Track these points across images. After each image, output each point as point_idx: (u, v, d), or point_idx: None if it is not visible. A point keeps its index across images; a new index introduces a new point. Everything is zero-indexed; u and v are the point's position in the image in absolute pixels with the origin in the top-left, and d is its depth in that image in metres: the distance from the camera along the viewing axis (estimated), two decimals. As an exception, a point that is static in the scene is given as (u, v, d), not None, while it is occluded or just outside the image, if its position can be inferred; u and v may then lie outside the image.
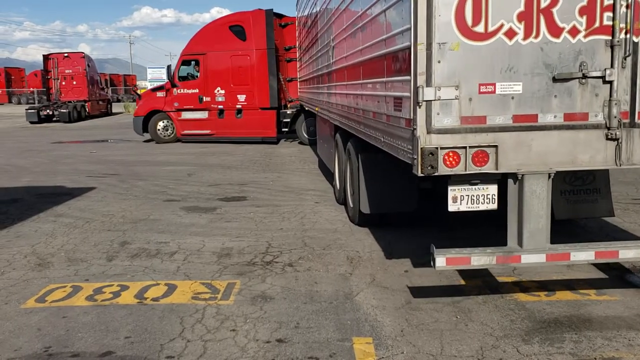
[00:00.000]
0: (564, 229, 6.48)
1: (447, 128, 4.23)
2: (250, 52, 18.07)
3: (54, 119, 31.66)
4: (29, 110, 32.16)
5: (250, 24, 18.01)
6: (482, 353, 4.06)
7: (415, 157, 4.25)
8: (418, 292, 5.23)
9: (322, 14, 9.77)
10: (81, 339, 4.40)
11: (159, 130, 19.52)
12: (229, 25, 18.40)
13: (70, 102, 33.08)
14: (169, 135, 19.50)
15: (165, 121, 19.46)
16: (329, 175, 11.20)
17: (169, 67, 19.46)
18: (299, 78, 15.88)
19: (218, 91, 18.46)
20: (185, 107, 18.91)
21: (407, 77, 4.36)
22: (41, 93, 37.93)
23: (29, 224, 8.18)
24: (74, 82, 34.42)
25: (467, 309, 4.80)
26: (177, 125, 19.29)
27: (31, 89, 41.37)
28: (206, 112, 18.75)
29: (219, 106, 18.54)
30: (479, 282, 5.38)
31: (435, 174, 4.23)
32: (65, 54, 35.03)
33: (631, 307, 4.77)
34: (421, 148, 4.19)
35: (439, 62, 4.16)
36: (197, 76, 18.84)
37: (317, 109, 11.35)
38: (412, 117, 4.29)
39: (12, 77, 63.37)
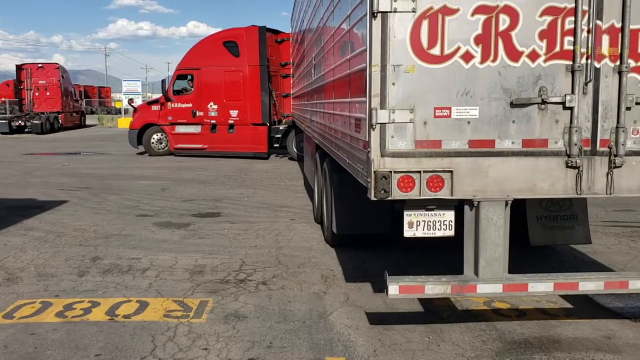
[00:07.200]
0: (532, 249, 6.59)
1: (402, 152, 4.15)
2: (243, 68, 18.17)
3: (26, 130, 31.20)
4: (0, 121, 31.63)
5: (244, 40, 18.13)
6: (454, 374, 4.09)
7: (369, 180, 4.16)
8: (391, 311, 5.25)
9: (307, 32, 9.86)
10: (50, 356, 4.32)
11: (152, 143, 19.54)
12: (222, 41, 18.52)
13: (43, 113, 32.67)
14: (162, 149, 19.54)
15: (159, 134, 19.50)
16: (308, 192, 11.22)
17: (163, 81, 19.52)
18: (292, 94, 15.97)
19: (211, 106, 18.55)
20: (178, 121, 19.01)
21: (363, 99, 4.28)
22: (13, 103, 37.45)
23: (-2, 237, 8.03)
24: (48, 93, 34.06)
25: (439, 329, 4.83)
26: (170, 138, 19.34)
27: (2, 99, 40.79)
28: (199, 127, 18.83)
29: (212, 121, 18.64)
30: (451, 302, 5.43)
31: (389, 198, 4.13)
32: (39, 65, 34.68)
33: (599, 328, 4.86)
34: (374, 171, 4.11)
35: (393, 84, 4.09)
36: (191, 91, 18.91)
37: (303, 125, 11.38)
38: (367, 140, 4.21)
39: (-17, 87, 62.25)
